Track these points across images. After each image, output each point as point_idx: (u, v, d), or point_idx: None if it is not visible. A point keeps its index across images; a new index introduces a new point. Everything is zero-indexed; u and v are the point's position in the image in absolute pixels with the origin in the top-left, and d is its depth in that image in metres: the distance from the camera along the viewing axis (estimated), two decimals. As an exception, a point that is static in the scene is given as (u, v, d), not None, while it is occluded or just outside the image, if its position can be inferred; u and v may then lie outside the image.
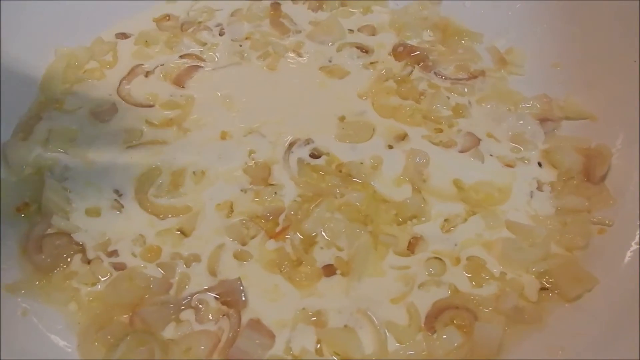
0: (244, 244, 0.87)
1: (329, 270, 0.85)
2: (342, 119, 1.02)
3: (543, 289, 0.84)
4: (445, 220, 0.90)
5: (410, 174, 0.94)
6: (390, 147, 0.98)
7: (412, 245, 0.87)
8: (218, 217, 0.90)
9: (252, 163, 0.96)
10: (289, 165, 0.95)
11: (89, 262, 0.85)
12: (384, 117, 1.02)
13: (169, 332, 0.80)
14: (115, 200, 0.91)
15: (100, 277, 0.84)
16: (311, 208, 0.90)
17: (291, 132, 1.00)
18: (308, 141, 0.98)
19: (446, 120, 1.02)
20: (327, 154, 0.97)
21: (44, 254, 0.85)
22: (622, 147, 0.95)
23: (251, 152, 0.97)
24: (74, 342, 0.79)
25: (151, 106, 1.04)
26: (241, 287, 0.82)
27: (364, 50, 1.13)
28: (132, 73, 1.09)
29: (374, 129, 1.01)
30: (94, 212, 0.90)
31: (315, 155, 0.97)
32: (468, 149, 0.98)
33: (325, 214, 0.89)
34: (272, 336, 0.79)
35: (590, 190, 0.93)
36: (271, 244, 0.87)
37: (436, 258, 0.86)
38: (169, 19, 1.19)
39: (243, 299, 0.81)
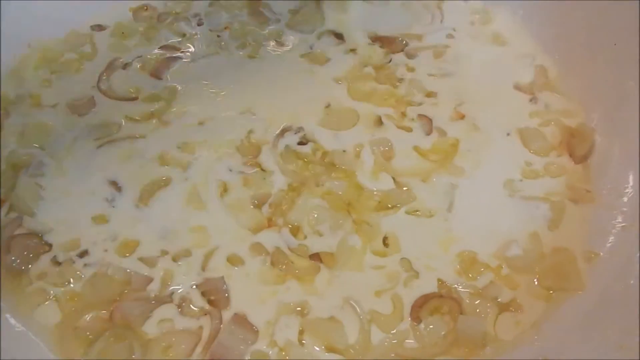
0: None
1: (315, 259, 0.82)
2: (327, 106, 0.98)
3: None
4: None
5: (380, 162, 0.91)
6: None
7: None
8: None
9: (231, 150, 0.92)
10: (277, 151, 0.92)
11: (59, 263, 0.81)
12: (357, 100, 0.99)
13: (150, 328, 0.76)
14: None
15: (71, 279, 0.79)
16: (295, 197, 0.87)
17: (275, 120, 0.96)
18: (299, 129, 0.95)
19: (418, 104, 0.99)
20: (314, 141, 0.93)
21: (13, 255, 0.81)
22: (604, 128, 0.93)
23: (231, 142, 0.93)
24: (52, 339, 0.75)
25: (134, 99, 0.99)
26: (225, 286, 0.79)
27: (341, 37, 1.09)
28: (110, 67, 1.04)
29: (358, 117, 0.97)
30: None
31: (302, 142, 0.93)
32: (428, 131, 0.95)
33: (309, 202, 0.86)
34: (255, 331, 0.75)
35: (572, 169, 0.91)
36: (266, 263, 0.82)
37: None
38: (146, 9, 1.14)
39: (226, 295, 0.78)
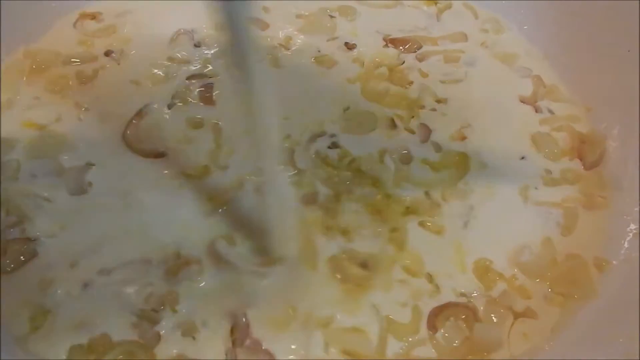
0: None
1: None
2: (346, 109, 0.96)
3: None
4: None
5: (400, 170, 0.89)
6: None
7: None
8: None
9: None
10: (308, 157, 0.89)
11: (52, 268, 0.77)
12: (370, 101, 0.97)
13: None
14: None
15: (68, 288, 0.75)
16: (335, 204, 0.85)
17: (300, 126, 0.93)
18: (332, 135, 0.92)
19: (430, 109, 0.97)
20: (341, 147, 0.91)
21: (7, 259, 0.77)
22: (616, 134, 0.93)
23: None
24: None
25: (163, 156, 0.89)
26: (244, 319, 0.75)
27: (350, 47, 1.06)
28: (139, 115, 0.93)
29: (376, 120, 0.95)
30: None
31: (330, 147, 0.91)
32: (425, 139, 0.94)
33: (346, 208, 0.84)
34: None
35: (583, 176, 0.90)
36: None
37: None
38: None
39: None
